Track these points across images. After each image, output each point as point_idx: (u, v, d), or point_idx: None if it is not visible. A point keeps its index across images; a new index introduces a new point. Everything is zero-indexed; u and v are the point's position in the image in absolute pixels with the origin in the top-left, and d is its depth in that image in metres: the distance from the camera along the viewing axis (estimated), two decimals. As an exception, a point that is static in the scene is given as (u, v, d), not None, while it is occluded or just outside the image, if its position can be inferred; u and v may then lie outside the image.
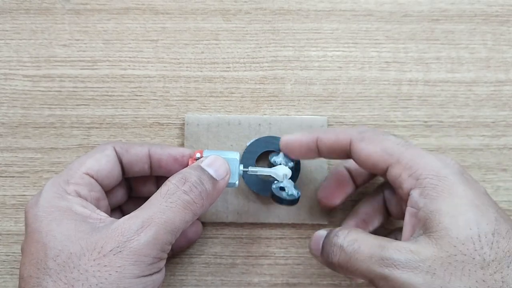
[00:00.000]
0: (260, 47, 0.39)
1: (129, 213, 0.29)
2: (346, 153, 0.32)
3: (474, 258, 0.26)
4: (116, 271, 0.26)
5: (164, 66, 0.39)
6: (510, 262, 0.26)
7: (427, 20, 0.39)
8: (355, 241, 0.28)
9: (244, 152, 0.37)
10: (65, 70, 0.39)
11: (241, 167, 0.34)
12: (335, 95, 0.39)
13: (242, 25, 0.39)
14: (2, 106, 0.39)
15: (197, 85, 0.39)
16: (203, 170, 0.31)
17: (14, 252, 0.38)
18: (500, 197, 0.38)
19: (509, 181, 0.38)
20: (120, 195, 0.35)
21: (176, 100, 0.39)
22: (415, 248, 0.27)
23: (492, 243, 0.26)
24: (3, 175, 0.38)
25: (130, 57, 0.39)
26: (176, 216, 0.28)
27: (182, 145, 0.38)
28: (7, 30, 0.39)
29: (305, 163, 0.37)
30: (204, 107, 0.39)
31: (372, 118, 0.38)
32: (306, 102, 0.39)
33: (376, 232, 0.34)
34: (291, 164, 0.36)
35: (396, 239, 0.29)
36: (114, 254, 0.27)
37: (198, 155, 0.33)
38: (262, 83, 0.39)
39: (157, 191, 0.29)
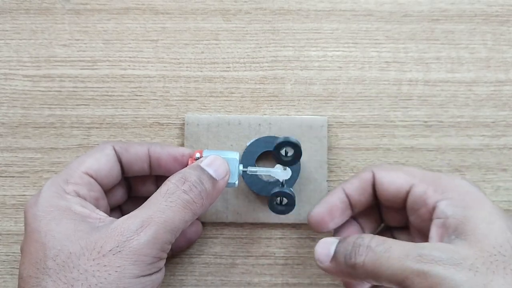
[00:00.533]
0: (260, 47, 0.39)
1: (128, 213, 0.29)
2: (372, 187, 0.33)
3: None
4: (116, 271, 0.26)
5: (164, 66, 0.39)
6: None
7: (427, 20, 0.39)
8: (385, 241, 0.28)
9: (244, 152, 0.37)
10: (65, 70, 0.39)
11: (241, 167, 0.34)
12: (335, 95, 0.39)
13: (242, 25, 0.39)
14: (2, 106, 0.39)
15: (197, 85, 0.39)
16: (202, 169, 0.31)
17: (14, 252, 0.38)
18: (500, 197, 0.38)
19: (509, 181, 0.38)
20: (119, 194, 0.35)
21: (176, 100, 0.39)
22: (454, 248, 0.27)
23: None
24: (3, 175, 0.38)
25: (130, 57, 0.39)
26: (175, 216, 0.28)
27: (182, 145, 0.38)
28: (7, 30, 0.39)
29: (305, 163, 0.37)
30: (204, 107, 0.39)
31: (372, 118, 0.38)
32: (306, 102, 0.39)
33: None
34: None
35: None
36: (113, 254, 0.27)
37: (198, 155, 0.33)
38: (262, 83, 0.39)
39: (157, 190, 0.29)
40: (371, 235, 0.29)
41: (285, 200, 0.35)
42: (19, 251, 0.37)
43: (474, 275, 0.25)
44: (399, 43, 0.39)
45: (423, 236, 0.31)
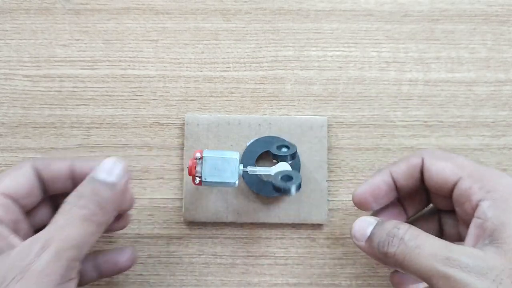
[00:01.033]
0: (260, 47, 0.39)
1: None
2: (420, 173, 0.32)
3: None
4: None
5: (164, 66, 0.39)
6: None
7: (427, 20, 0.39)
8: (418, 236, 0.28)
9: (244, 152, 0.37)
10: (65, 70, 0.39)
11: (241, 167, 0.34)
12: (335, 95, 0.39)
13: (242, 25, 0.39)
14: (2, 106, 0.39)
15: (197, 85, 0.39)
16: (94, 180, 0.29)
17: (14, 252, 0.38)
18: (500, 197, 0.38)
19: (509, 181, 0.38)
20: (44, 214, 0.33)
21: (176, 100, 0.39)
22: (483, 255, 0.27)
23: None
24: (3, 175, 0.38)
25: (130, 57, 0.39)
26: (76, 230, 0.27)
27: (182, 145, 0.38)
28: (7, 30, 0.39)
29: (305, 163, 0.37)
30: (204, 107, 0.39)
31: (372, 118, 0.38)
32: (306, 102, 0.39)
33: None
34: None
35: None
36: (16, 282, 0.25)
37: (198, 155, 0.33)
38: (262, 83, 0.39)
39: (57, 212, 0.29)
40: (407, 226, 0.29)
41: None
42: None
43: (497, 286, 0.25)
44: (399, 43, 0.39)
45: (467, 227, 0.31)
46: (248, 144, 0.37)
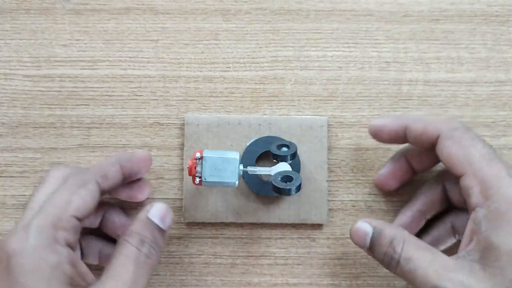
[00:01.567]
0: (260, 47, 0.39)
1: None
2: (433, 145, 0.32)
3: None
4: None
5: (164, 66, 0.39)
6: None
7: (427, 20, 0.39)
8: (410, 260, 0.29)
9: (244, 152, 0.37)
10: (65, 70, 0.39)
11: (241, 167, 0.34)
12: (335, 95, 0.39)
13: (242, 25, 0.39)
14: (2, 106, 0.39)
15: (197, 85, 0.39)
16: (153, 225, 0.31)
17: (14, 252, 0.38)
18: (500, 197, 0.38)
19: (509, 181, 0.38)
20: (93, 222, 0.35)
21: (176, 100, 0.39)
22: (468, 282, 0.27)
23: None
24: (3, 175, 0.38)
25: (130, 57, 0.39)
26: (144, 281, 0.29)
27: (182, 145, 0.38)
28: (7, 30, 0.39)
29: (305, 163, 0.37)
30: (204, 107, 0.39)
31: (372, 118, 0.38)
32: (306, 102, 0.39)
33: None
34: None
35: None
36: None
37: (198, 155, 0.33)
38: (262, 83, 0.39)
39: (119, 252, 0.29)
40: (401, 243, 0.30)
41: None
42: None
43: None
44: (399, 43, 0.39)
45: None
46: (248, 144, 0.37)
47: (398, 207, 0.37)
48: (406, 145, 0.36)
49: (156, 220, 0.31)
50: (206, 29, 0.39)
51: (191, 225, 0.38)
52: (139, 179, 0.36)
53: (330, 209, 0.38)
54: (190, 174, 0.33)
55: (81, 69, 0.39)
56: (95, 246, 0.35)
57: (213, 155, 0.33)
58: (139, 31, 0.39)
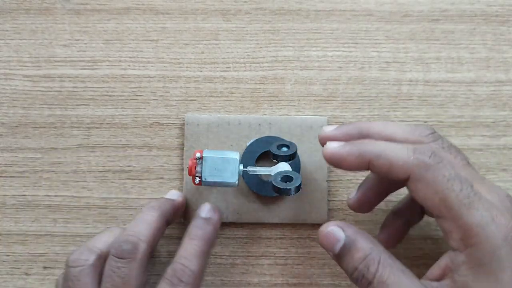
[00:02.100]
0: (260, 47, 0.39)
1: None
2: (403, 182, 0.29)
3: None
4: None
5: (164, 66, 0.39)
6: None
7: (427, 20, 0.39)
8: (384, 284, 0.27)
9: (244, 152, 0.37)
10: (65, 70, 0.39)
11: (241, 167, 0.34)
12: (335, 95, 0.39)
13: (242, 25, 0.39)
14: (2, 106, 0.39)
15: (197, 85, 0.39)
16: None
17: (14, 252, 0.38)
18: (500, 197, 0.38)
19: (509, 181, 0.38)
20: None
21: (176, 100, 0.39)
22: None
23: None
24: (3, 175, 0.38)
25: (130, 57, 0.39)
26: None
27: (182, 145, 0.38)
28: (7, 30, 0.39)
29: (305, 163, 0.37)
30: (204, 107, 0.39)
31: (372, 118, 0.38)
32: (306, 102, 0.39)
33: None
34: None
35: None
36: None
37: (198, 155, 0.33)
38: (262, 83, 0.39)
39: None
40: (376, 263, 0.28)
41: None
42: (19, 251, 0.38)
43: None
44: (399, 43, 0.39)
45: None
46: (248, 144, 0.37)
47: (398, 207, 0.37)
48: None
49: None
50: (206, 29, 0.39)
51: (191, 225, 0.38)
52: None
53: (330, 209, 0.38)
54: (190, 174, 0.34)
55: (81, 69, 0.39)
56: None
57: (213, 155, 0.33)
58: (139, 31, 0.39)
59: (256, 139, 0.37)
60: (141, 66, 0.39)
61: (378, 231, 0.35)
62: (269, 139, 0.37)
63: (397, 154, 0.28)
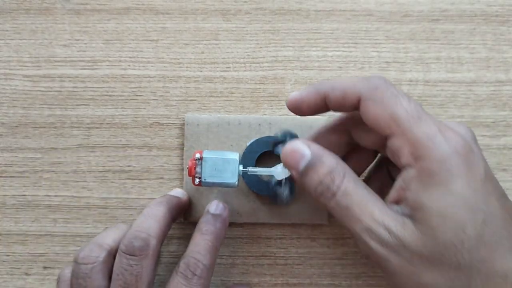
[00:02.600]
0: (260, 47, 0.39)
1: None
2: (356, 109, 0.30)
3: (451, 260, 0.26)
4: None
5: (164, 66, 0.39)
6: (478, 270, 0.26)
7: (427, 20, 0.39)
8: (348, 195, 0.28)
9: (244, 152, 0.37)
10: (65, 70, 0.39)
11: (241, 167, 0.34)
12: (335, 95, 0.39)
13: (242, 25, 0.39)
14: (2, 106, 0.39)
15: (197, 85, 0.39)
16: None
17: (14, 252, 0.38)
18: (500, 197, 0.38)
19: (509, 181, 0.38)
20: None
21: (176, 100, 0.39)
22: (402, 234, 0.27)
23: (471, 249, 0.26)
24: (3, 175, 0.38)
25: (130, 57, 0.39)
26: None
27: (182, 145, 0.38)
28: (7, 30, 0.39)
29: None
30: (204, 107, 0.39)
31: (372, 118, 0.38)
32: (306, 102, 0.39)
33: None
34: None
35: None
36: None
37: (197, 155, 0.33)
38: (262, 83, 0.39)
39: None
40: (341, 175, 0.28)
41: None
42: (19, 251, 0.38)
43: (408, 264, 0.27)
44: (399, 43, 0.39)
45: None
46: (248, 144, 0.37)
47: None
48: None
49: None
50: (206, 29, 0.39)
51: (191, 225, 0.38)
52: None
53: (330, 209, 0.38)
54: (190, 174, 0.34)
55: (81, 69, 0.39)
56: None
57: (212, 156, 0.33)
58: (139, 31, 0.39)
59: (256, 139, 0.37)
60: (141, 66, 0.39)
61: None
62: (269, 139, 0.37)
63: (349, 81, 0.30)
